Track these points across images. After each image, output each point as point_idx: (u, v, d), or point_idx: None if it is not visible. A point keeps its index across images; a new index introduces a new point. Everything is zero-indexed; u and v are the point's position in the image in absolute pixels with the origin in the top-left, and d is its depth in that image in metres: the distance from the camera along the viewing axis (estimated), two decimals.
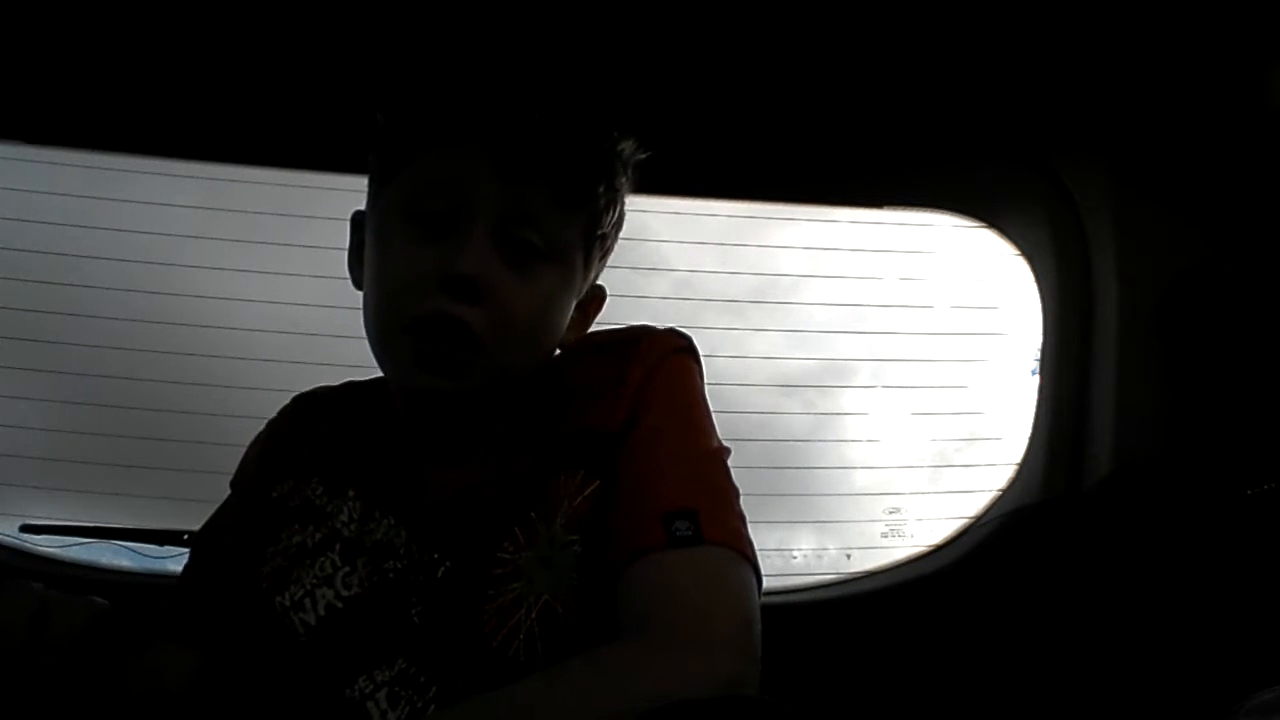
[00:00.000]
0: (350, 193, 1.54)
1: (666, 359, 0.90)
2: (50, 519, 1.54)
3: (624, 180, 0.93)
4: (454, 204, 0.84)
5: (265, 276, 1.57)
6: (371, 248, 0.90)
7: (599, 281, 0.98)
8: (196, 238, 1.62)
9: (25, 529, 1.53)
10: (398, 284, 0.86)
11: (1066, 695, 1.43)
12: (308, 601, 0.89)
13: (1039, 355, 1.61)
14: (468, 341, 0.83)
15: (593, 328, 0.98)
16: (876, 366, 1.69)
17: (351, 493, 0.93)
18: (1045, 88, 1.47)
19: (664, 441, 0.85)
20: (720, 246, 1.61)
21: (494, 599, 0.83)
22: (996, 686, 1.49)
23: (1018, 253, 1.65)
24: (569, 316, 0.93)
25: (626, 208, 0.96)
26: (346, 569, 0.89)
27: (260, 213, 1.59)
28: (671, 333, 0.93)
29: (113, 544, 1.53)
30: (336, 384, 1.04)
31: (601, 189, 0.89)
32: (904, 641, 1.55)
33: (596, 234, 0.91)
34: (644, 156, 0.94)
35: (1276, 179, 1.44)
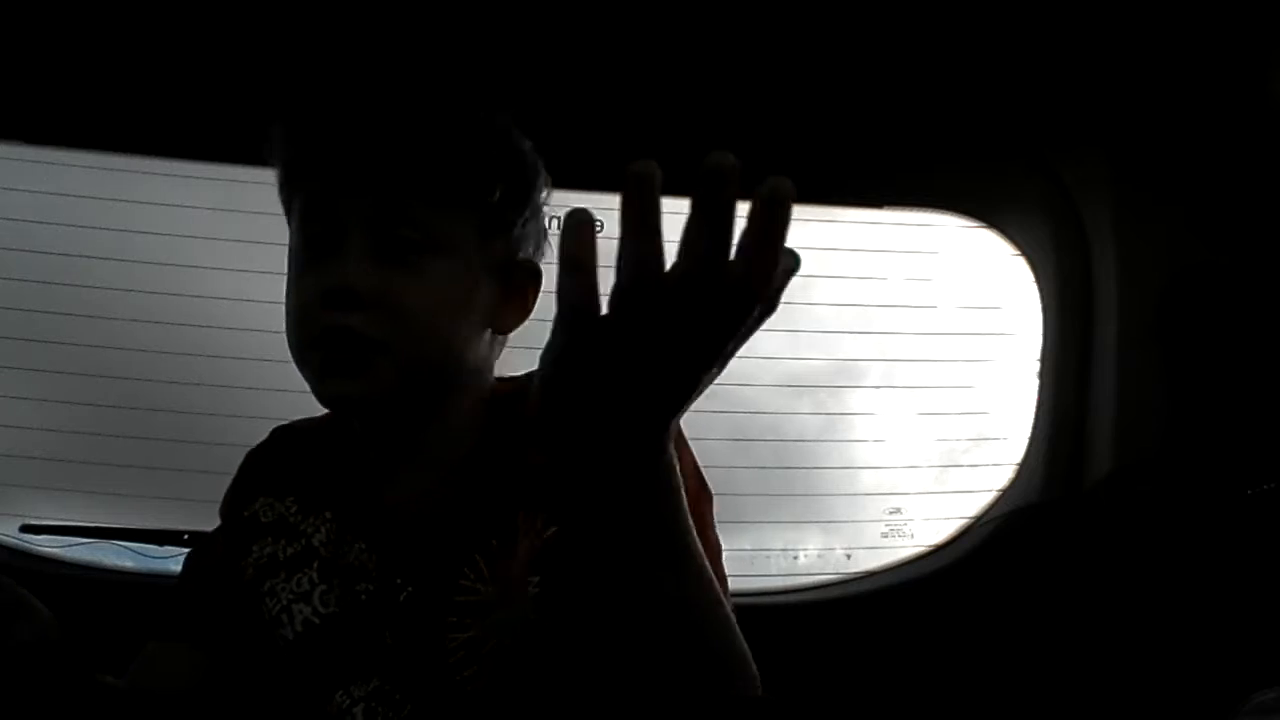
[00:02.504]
0: None
1: None
2: (50, 519, 1.54)
3: (501, 154, 0.91)
4: (327, 224, 0.86)
5: (268, 277, 1.57)
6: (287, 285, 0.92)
7: (535, 261, 0.95)
8: (193, 238, 1.62)
9: (25, 529, 1.52)
10: (293, 312, 0.88)
11: (1067, 695, 1.44)
12: (284, 617, 0.91)
13: (1039, 355, 1.61)
14: (362, 345, 0.84)
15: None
16: (885, 367, 1.69)
17: (328, 515, 0.94)
18: (1045, 87, 1.47)
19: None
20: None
21: (459, 629, 0.85)
22: (997, 686, 1.49)
23: (1018, 253, 1.65)
24: (480, 300, 0.91)
25: (538, 178, 0.94)
26: (324, 587, 0.91)
27: (262, 213, 1.58)
28: None
29: (113, 544, 1.53)
30: (316, 416, 1.04)
31: (455, 166, 0.88)
32: (904, 641, 1.55)
33: (483, 208, 0.89)
34: (508, 123, 0.92)
35: (1276, 179, 1.44)
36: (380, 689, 0.86)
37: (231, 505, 1.01)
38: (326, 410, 0.98)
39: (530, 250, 0.95)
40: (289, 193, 0.91)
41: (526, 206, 0.93)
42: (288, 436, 1.05)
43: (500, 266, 0.92)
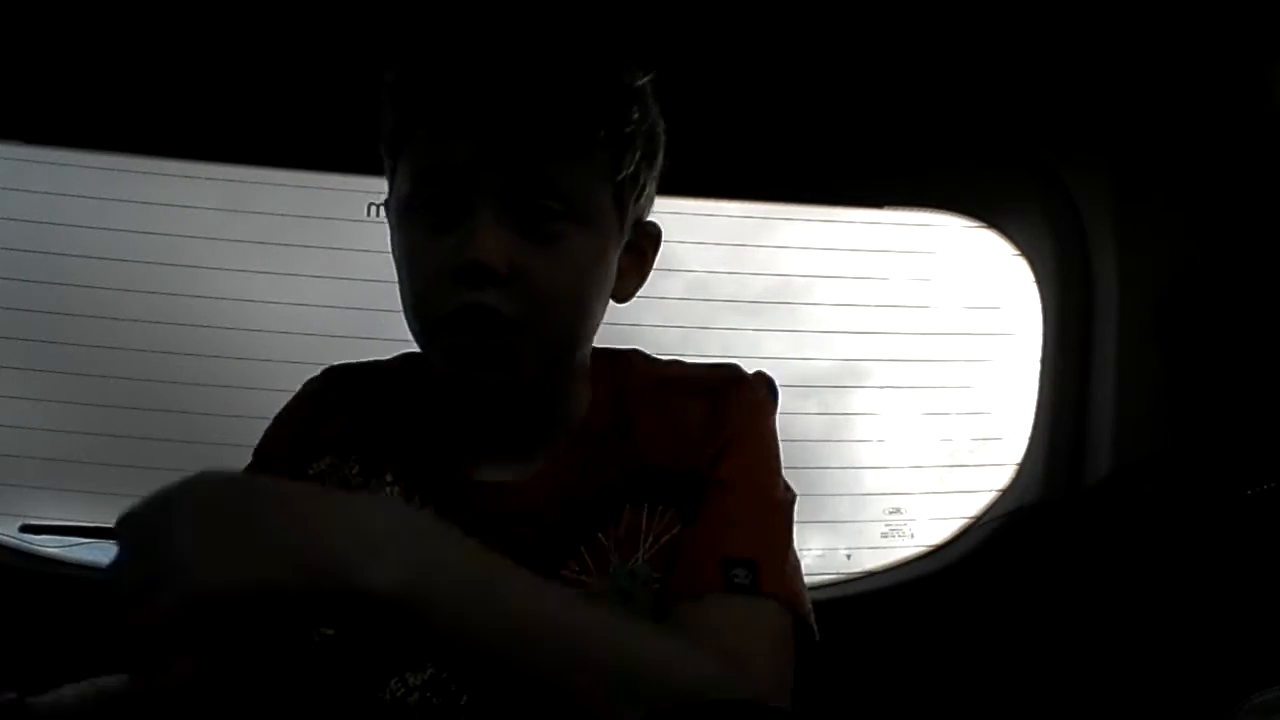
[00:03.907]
0: (364, 194, 1.55)
1: (758, 406, 0.89)
2: (50, 519, 1.53)
3: (635, 112, 0.83)
4: (455, 188, 0.79)
5: (270, 277, 1.57)
6: (394, 242, 0.85)
7: (651, 219, 0.91)
8: (195, 238, 1.62)
9: (25, 529, 1.51)
10: (420, 283, 0.81)
11: (1067, 695, 1.44)
12: None
13: (1039, 355, 1.61)
14: (502, 327, 0.78)
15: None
16: (888, 367, 1.69)
17: (389, 476, 0.89)
18: (1045, 88, 1.47)
19: (740, 488, 0.84)
20: (732, 247, 1.61)
21: None
22: (997, 686, 1.49)
23: (1018, 253, 1.66)
24: (612, 269, 0.86)
25: (659, 133, 0.88)
26: None
27: (264, 213, 1.59)
28: (760, 377, 0.92)
29: (114, 544, 1.52)
30: (379, 359, 0.99)
31: (604, 131, 0.81)
32: (904, 641, 1.55)
33: (619, 178, 0.83)
34: (647, 79, 0.85)
35: (1276, 179, 1.44)
36: (436, 677, 0.82)
37: (288, 453, 0.92)
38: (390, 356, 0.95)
39: (650, 210, 0.91)
40: (400, 144, 0.83)
41: (655, 167, 0.89)
42: (346, 381, 0.97)
43: (629, 231, 0.88)
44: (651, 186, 0.89)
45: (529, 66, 0.79)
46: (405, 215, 0.83)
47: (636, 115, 0.83)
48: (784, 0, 1.31)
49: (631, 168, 0.83)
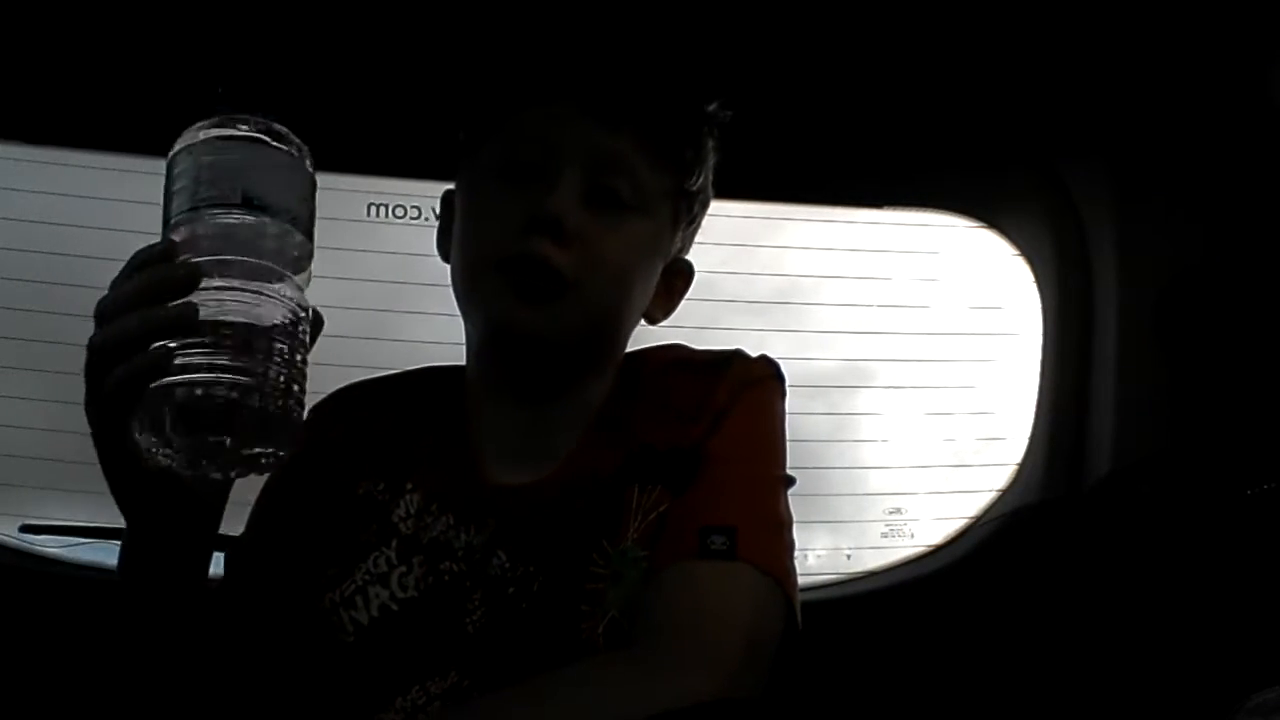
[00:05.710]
0: (364, 193, 1.54)
1: (753, 384, 0.89)
2: (50, 519, 1.53)
3: (710, 144, 0.93)
4: (545, 153, 0.85)
5: None
6: (463, 208, 0.91)
7: (688, 258, 0.98)
8: None
9: (25, 529, 1.51)
10: (486, 229, 0.86)
11: (1067, 695, 1.44)
12: (359, 599, 0.86)
13: (1039, 355, 1.61)
14: (555, 279, 0.82)
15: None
16: (892, 368, 1.69)
17: (409, 485, 0.89)
18: (1046, 89, 1.47)
19: (727, 462, 0.84)
20: (735, 247, 1.61)
21: (589, 617, 0.81)
22: (997, 687, 1.49)
23: (1017, 253, 1.66)
24: (654, 280, 0.92)
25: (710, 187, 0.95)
26: (402, 568, 0.86)
27: None
28: (762, 359, 0.93)
29: (114, 544, 1.52)
30: (389, 374, 1.01)
31: (689, 143, 0.90)
32: (904, 642, 1.55)
33: (684, 191, 0.91)
34: (728, 116, 0.94)
35: (1276, 179, 1.44)
36: (458, 686, 0.81)
37: (335, 466, 0.92)
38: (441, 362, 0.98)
39: (688, 248, 0.98)
40: (504, 112, 0.89)
41: (707, 206, 0.96)
42: (362, 397, 0.98)
43: (670, 256, 0.94)
44: (695, 223, 0.96)
45: (645, 61, 0.90)
46: (489, 177, 0.88)
47: (709, 143, 0.92)
48: (787, 2, 1.31)
49: (696, 187, 0.91)
